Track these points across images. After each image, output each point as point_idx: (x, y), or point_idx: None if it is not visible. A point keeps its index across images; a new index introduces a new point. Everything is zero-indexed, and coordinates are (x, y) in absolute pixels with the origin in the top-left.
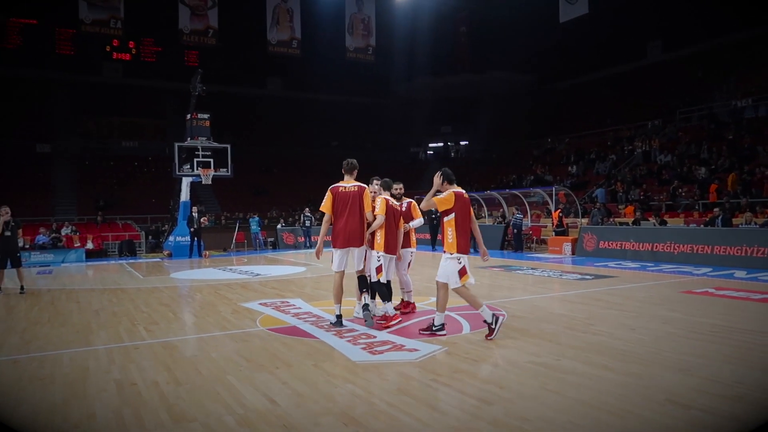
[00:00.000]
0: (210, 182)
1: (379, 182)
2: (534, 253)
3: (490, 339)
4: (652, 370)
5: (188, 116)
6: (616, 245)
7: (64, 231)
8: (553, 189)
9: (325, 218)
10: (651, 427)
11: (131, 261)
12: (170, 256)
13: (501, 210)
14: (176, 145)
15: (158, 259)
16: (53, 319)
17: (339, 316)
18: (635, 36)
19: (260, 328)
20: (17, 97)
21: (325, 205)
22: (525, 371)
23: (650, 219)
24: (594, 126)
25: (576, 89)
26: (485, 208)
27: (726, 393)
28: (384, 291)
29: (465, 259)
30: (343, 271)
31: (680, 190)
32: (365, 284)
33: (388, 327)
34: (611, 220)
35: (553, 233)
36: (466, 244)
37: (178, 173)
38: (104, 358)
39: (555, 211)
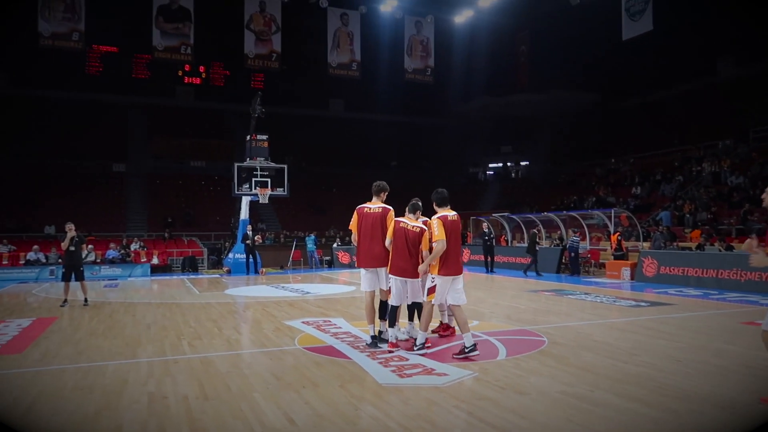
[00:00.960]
0: (267, 201)
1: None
2: (592, 277)
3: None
4: (690, 407)
5: (248, 137)
6: (678, 271)
7: (133, 246)
8: (612, 211)
9: (353, 237)
10: None
11: (192, 276)
12: (229, 272)
13: (558, 232)
14: (236, 165)
15: (218, 275)
16: (108, 331)
17: (374, 337)
18: (705, 52)
19: (297, 346)
20: (98, 120)
21: (352, 224)
22: (553, 401)
23: (715, 244)
24: (660, 146)
25: (642, 108)
26: (543, 231)
27: None
28: (388, 313)
29: (440, 280)
30: (374, 291)
31: (752, 213)
32: (383, 309)
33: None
34: (674, 244)
35: (612, 257)
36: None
37: (237, 192)
38: (144, 370)
39: (614, 234)
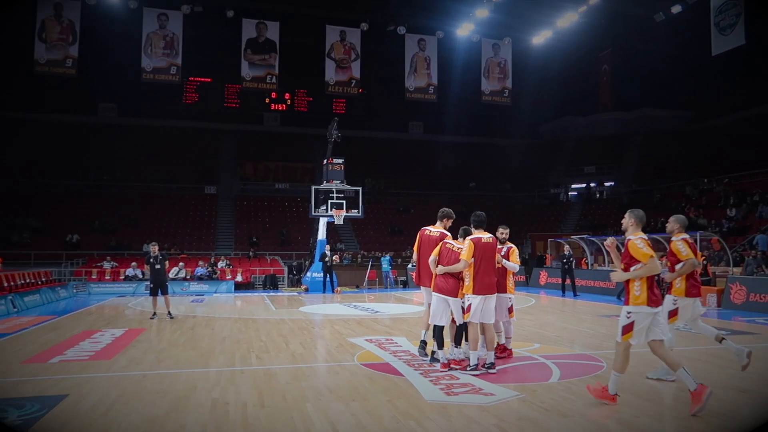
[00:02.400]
0: (342, 222)
1: (506, 230)
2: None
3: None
4: None
5: (325, 161)
6: None
7: (220, 264)
8: (698, 234)
9: (413, 257)
10: None
11: (272, 294)
12: (307, 290)
13: None
14: (313, 188)
15: (296, 293)
16: (187, 342)
17: (423, 342)
18: None
19: (355, 362)
20: (193, 145)
21: (415, 245)
22: (594, 425)
23: None
24: (758, 165)
25: (737, 125)
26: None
27: None
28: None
29: (475, 300)
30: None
31: None
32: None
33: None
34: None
35: None
36: (485, 285)
37: (314, 214)
38: (213, 379)
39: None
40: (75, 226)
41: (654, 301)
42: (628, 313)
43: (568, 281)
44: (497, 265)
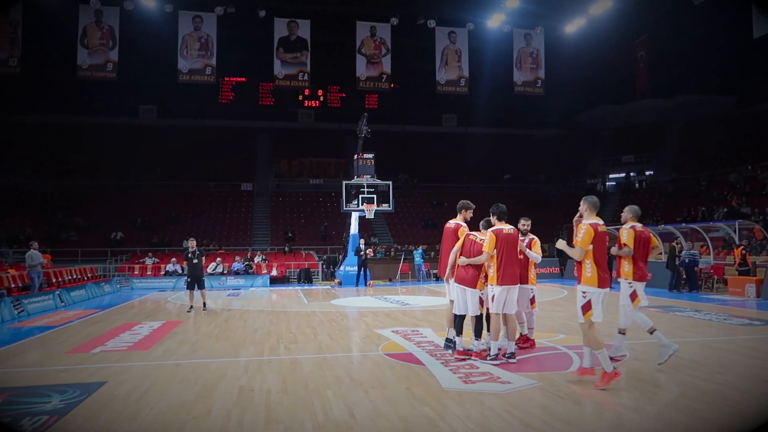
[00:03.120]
0: (372, 216)
1: (527, 221)
2: (712, 294)
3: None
4: (747, 425)
5: (356, 156)
6: None
7: (256, 259)
8: (737, 223)
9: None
10: None
11: (306, 287)
12: (340, 284)
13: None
14: (344, 183)
15: (329, 287)
16: (220, 334)
17: (448, 339)
18: None
19: (379, 352)
20: (229, 144)
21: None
22: (606, 412)
23: None
24: None
25: None
26: (660, 243)
27: None
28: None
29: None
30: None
31: None
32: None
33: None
34: None
35: (736, 273)
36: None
37: (345, 208)
38: (241, 367)
39: (737, 247)
40: (119, 225)
41: (603, 281)
42: (583, 292)
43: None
44: (519, 256)
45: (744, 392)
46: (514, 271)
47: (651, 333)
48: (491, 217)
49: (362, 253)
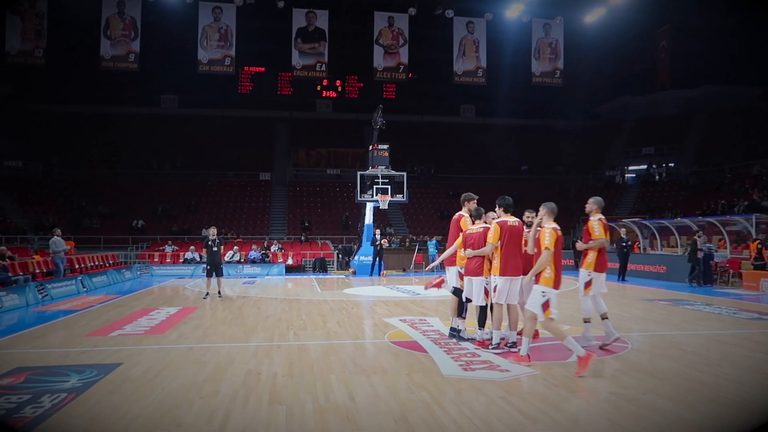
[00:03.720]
0: (386, 207)
1: (531, 213)
2: (727, 288)
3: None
4: (738, 414)
5: (370, 147)
6: None
7: (272, 248)
8: (754, 217)
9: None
10: None
11: (321, 276)
12: (354, 273)
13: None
14: (358, 173)
15: (344, 276)
16: (233, 320)
17: (453, 329)
18: None
19: (385, 340)
20: (248, 133)
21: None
22: (600, 400)
23: None
24: None
25: None
26: (677, 237)
27: None
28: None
29: (501, 281)
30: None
31: None
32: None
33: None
34: None
35: (752, 267)
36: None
37: (359, 199)
38: (251, 352)
39: (753, 242)
40: (140, 213)
41: (558, 282)
42: (543, 292)
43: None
44: (523, 249)
45: (742, 385)
46: (516, 262)
47: (585, 322)
48: (497, 209)
49: (377, 243)
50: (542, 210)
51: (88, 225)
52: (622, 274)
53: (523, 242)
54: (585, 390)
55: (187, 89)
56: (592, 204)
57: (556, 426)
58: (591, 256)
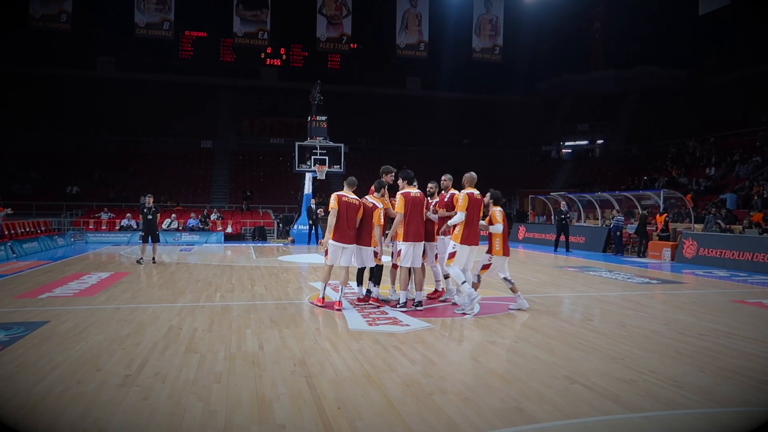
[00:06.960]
0: (324, 177)
1: (433, 184)
2: (634, 257)
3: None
4: (586, 356)
5: (309, 118)
6: (716, 253)
7: (212, 216)
8: (662, 192)
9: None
10: (528, 394)
11: (259, 245)
12: (293, 242)
13: (613, 213)
14: (296, 144)
15: (282, 245)
16: (164, 284)
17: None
18: None
19: (305, 301)
20: (189, 100)
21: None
22: (476, 346)
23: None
24: (745, 125)
25: (738, 83)
26: (599, 211)
27: (626, 377)
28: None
29: (404, 246)
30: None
31: None
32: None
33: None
34: (730, 227)
35: (657, 238)
36: (412, 233)
37: (297, 169)
38: (176, 312)
39: (661, 215)
40: (76, 179)
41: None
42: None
43: (562, 237)
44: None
45: (601, 335)
46: (418, 229)
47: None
48: (400, 181)
49: (314, 213)
50: (464, 179)
51: (19, 191)
52: (566, 246)
53: (424, 210)
54: (466, 339)
55: (124, 52)
56: (464, 180)
57: (431, 366)
58: (458, 229)
